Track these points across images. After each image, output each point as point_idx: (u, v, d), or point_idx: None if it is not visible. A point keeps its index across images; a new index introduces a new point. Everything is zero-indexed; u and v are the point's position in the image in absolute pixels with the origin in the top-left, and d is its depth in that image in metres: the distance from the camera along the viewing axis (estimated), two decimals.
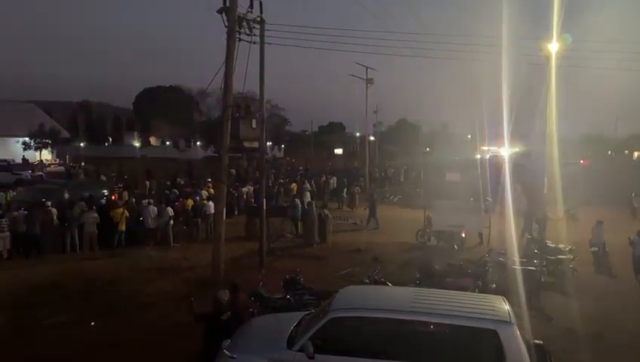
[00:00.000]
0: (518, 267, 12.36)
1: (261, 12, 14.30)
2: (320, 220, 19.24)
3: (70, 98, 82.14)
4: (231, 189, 23.41)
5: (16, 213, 16.77)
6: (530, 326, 8.53)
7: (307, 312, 8.25)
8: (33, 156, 48.66)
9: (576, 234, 16.72)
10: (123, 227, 16.89)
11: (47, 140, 50.10)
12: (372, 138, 53.24)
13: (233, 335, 7.63)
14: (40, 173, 36.87)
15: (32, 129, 49.00)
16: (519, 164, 30.69)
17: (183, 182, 28.19)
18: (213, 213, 16.19)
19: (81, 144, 62.48)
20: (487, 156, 31.69)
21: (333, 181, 31.89)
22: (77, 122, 72.04)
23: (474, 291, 10.20)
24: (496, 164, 26.22)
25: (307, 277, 11.52)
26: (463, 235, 17.88)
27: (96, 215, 16.71)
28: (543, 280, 12.75)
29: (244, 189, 25.73)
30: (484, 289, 10.77)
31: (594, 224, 15.95)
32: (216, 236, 14.13)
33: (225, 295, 8.25)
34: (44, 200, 17.57)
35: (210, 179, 27.24)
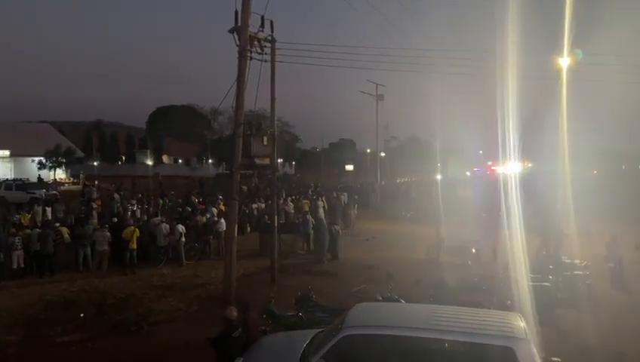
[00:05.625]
0: (533, 283, 12.18)
1: (272, 31, 14.43)
2: (331, 236, 19.19)
3: (84, 118, 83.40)
4: (242, 206, 23.42)
5: (29, 231, 16.95)
6: (546, 343, 8.35)
7: (320, 330, 8.17)
8: (48, 175, 49.29)
9: (590, 249, 16.46)
10: (134, 245, 16.95)
11: (61, 159, 50.74)
12: (383, 154, 53.24)
13: (245, 353, 7.58)
14: (54, 191, 37.26)
15: (48, 149, 49.70)
16: (530, 179, 30.40)
17: (197, 200, 28.19)
18: (225, 230, 16.22)
19: (95, 163, 63.21)
20: (499, 171, 31.49)
21: (344, 197, 31.81)
22: (90, 141, 73.05)
23: (489, 308, 10.05)
24: (506, 179, 26.04)
25: (319, 294, 11.45)
26: (474, 251, 17.72)
27: (107, 233, 16.79)
28: (558, 296, 12.55)
29: (255, 206, 25.76)
30: (499, 306, 10.61)
31: (608, 239, 15.71)
32: (227, 253, 14.10)
33: (233, 312, 8.22)
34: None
35: (221, 196, 27.30)
